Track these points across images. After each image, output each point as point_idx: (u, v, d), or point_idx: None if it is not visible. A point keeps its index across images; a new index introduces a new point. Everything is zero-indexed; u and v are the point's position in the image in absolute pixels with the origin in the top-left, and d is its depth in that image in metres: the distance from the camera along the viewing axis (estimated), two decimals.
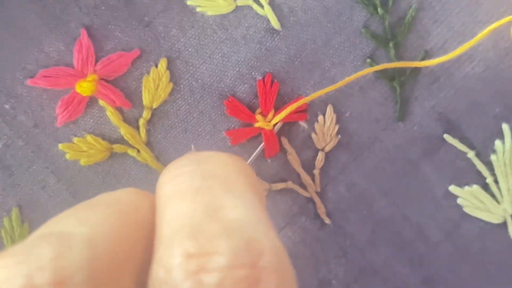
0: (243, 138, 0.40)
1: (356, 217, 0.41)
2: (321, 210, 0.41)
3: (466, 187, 0.40)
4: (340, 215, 0.41)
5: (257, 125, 0.40)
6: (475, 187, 0.40)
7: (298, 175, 0.41)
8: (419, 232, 0.41)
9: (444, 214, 0.40)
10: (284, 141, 0.40)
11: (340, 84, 0.38)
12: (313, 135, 0.40)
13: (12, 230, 0.40)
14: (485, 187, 0.40)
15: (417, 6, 0.39)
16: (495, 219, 0.40)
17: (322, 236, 0.41)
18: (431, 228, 0.41)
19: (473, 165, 0.40)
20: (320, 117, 0.40)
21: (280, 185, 0.41)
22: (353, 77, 0.38)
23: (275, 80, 0.40)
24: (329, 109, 0.40)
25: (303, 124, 0.40)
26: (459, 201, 0.40)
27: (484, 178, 0.40)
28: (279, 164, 0.41)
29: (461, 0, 0.39)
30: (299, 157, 0.40)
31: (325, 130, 0.40)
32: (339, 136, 0.40)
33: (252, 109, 0.40)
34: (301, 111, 0.40)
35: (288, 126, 0.40)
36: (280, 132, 0.40)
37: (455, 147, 0.40)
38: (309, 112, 0.40)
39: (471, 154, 0.40)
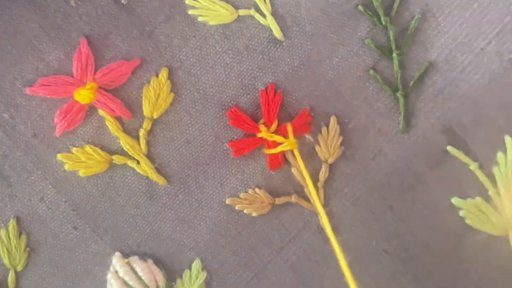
0: (247, 149, 0.39)
1: (361, 231, 0.40)
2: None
3: (469, 199, 0.40)
4: (345, 229, 0.40)
5: (260, 135, 0.39)
6: (478, 199, 0.40)
7: (303, 188, 0.40)
8: (424, 246, 0.40)
9: (448, 227, 0.40)
10: (288, 154, 0.40)
11: None
12: (317, 147, 0.40)
13: (9, 242, 0.39)
14: (488, 199, 0.40)
15: (420, 17, 0.39)
16: (498, 232, 0.40)
17: (326, 251, 0.41)
18: (436, 241, 0.40)
19: (477, 178, 0.40)
20: (324, 129, 0.40)
21: (284, 199, 0.40)
22: None
23: (278, 91, 0.40)
24: (333, 120, 0.40)
25: (308, 136, 0.40)
26: (461, 213, 0.40)
27: (487, 190, 0.40)
28: (283, 177, 0.40)
29: (464, 11, 0.39)
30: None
31: (329, 141, 0.40)
32: (343, 147, 0.40)
33: (255, 120, 0.40)
34: (305, 123, 0.40)
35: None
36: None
37: (458, 159, 0.40)
38: (312, 123, 0.40)
39: (473, 166, 0.39)
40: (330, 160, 0.40)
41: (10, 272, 0.40)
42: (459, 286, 0.40)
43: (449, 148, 0.39)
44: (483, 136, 0.40)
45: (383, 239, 0.40)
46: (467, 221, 0.40)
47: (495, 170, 0.40)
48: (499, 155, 0.39)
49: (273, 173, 0.40)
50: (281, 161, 0.40)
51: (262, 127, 0.39)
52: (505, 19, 0.39)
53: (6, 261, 0.40)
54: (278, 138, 0.39)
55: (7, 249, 0.40)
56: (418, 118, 0.40)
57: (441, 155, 0.40)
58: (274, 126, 0.39)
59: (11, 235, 0.40)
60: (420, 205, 0.40)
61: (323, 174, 0.40)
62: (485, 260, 0.40)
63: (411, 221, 0.40)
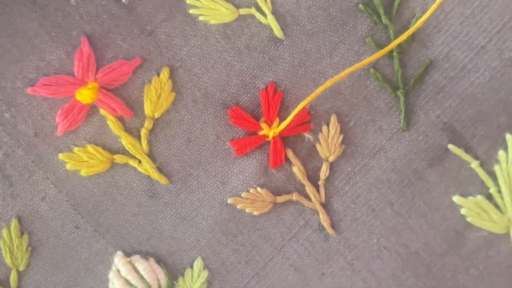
0: (249, 147, 0.40)
1: (362, 229, 0.41)
2: (326, 221, 0.40)
3: (471, 197, 0.40)
4: (345, 226, 0.41)
5: (262, 133, 0.39)
6: (479, 197, 0.40)
7: (303, 186, 0.40)
8: (424, 243, 0.40)
9: (448, 224, 0.40)
10: (289, 152, 0.40)
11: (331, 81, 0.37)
12: (317, 146, 0.40)
13: (11, 241, 0.40)
14: (489, 197, 0.40)
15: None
16: (499, 229, 0.40)
17: (327, 248, 0.41)
18: (436, 238, 0.40)
19: (477, 175, 0.40)
20: (324, 127, 0.40)
21: (285, 197, 0.40)
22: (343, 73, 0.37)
23: (279, 89, 0.40)
24: (333, 119, 0.40)
25: (307, 135, 0.40)
26: (463, 211, 0.40)
27: (488, 188, 0.40)
28: (284, 176, 0.40)
29: (465, 9, 0.39)
30: (304, 168, 0.40)
31: (330, 140, 0.40)
32: (343, 146, 0.40)
33: (256, 119, 0.40)
34: (304, 122, 0.40)
35: (292, 137, 0.40)
36: (285, 143, 0.40)
37: (459, 157, 0.40)
38: (313, 122, 0.40)
39: (474, 164, 0.39)
40: (331, 159, 0.40)
41: (12, 272, 0.40)
42: (459, 283, 0.40)
43: (450, 146, 0.39)
44: (483, 134, 0.40)
45: (383, 236, 0.40)
46: (468, 219, 0.40)
47: (496, 168, 0.39)
48: (500, 153, 0.39)
49: (274, 172, 0.40)
50: (283, 159, 0.40)
51: (263, 125, 0.39)
52: (506, 17, 0.39)
53: (8, 260, 0.40)
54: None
55: (9, 249, 0.40)
56: (418, 116, 0.40)
57: (441, 153, 0.40)
58: (275, 124, 0.39)
59: (13, 235, 0.40)
60: (421, 202, 0.40)
61: (324, 172, 0.40)
62: (486, 257, 0.40)
63: (411, 219, 0.40)
